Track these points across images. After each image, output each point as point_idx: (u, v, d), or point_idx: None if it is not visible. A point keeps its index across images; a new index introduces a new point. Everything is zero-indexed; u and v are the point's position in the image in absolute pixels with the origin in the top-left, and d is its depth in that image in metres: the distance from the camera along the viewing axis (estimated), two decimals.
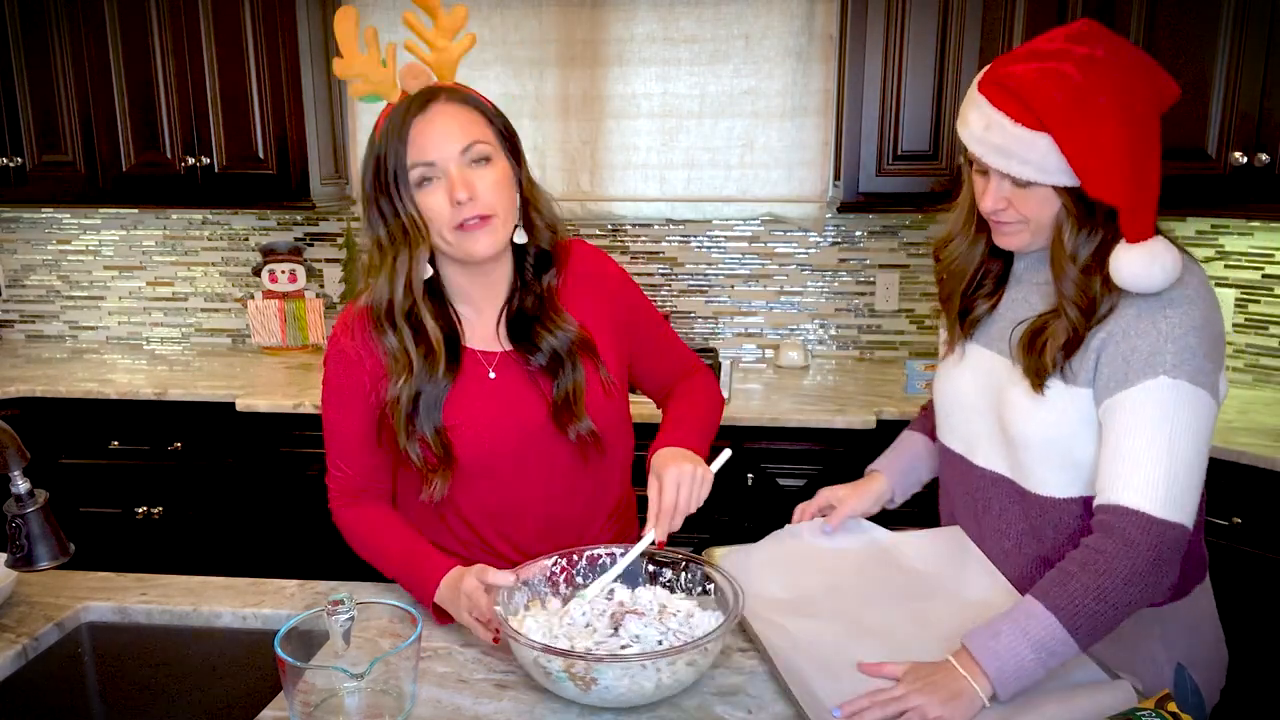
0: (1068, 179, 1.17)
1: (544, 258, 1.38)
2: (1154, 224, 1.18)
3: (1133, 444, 1.16)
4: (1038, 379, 1.24)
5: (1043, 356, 1.24)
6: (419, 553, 1.34)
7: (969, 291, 1.39)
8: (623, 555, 1.29)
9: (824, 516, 1.49)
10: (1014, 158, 1.18)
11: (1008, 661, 1.10)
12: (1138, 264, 1.16)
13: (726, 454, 1.36)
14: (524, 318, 1.37)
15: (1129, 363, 1.17)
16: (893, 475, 1.53)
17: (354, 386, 1.36)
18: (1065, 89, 1.14)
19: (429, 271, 1.32)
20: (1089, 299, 1.21)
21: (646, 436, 1.50)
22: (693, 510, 1.27)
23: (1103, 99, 1.14)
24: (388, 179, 1.25)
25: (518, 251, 1.38)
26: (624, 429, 1.47)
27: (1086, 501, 1.26)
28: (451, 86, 1.29)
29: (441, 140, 1.23)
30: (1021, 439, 1.28)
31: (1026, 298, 1.33)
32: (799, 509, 1.51)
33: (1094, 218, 1.20)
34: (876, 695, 1.11)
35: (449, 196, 1.24)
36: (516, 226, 1.33)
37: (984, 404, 1.35)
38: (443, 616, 1.33)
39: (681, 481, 1.27)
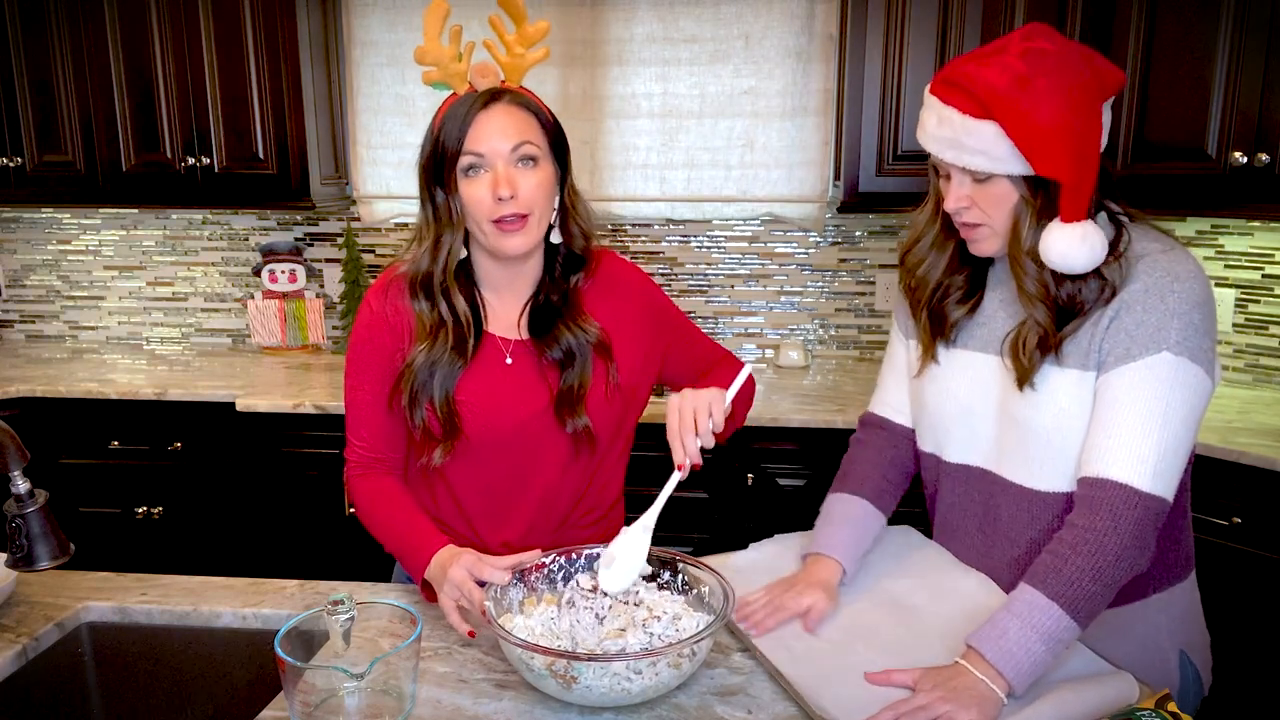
0: (1017, 165, 1.18)
1: (574, 259, 1.44)
2: (1088, 206, 1.20)
3: (1125, 418, 1.17)
4: (1023, 378, 1.25)
5: (1020, 359, 1.25)
6: (417, 528, 1.37)
7: (936, 301, 1.37)
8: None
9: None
10: (965, 149, 1.20)
11: (1021, 659, 1.10)
12: (1067, 242, 1.18)
13: (746, 370, 1.37)
14: (547, 311, 1.42)
15: (1133, 337, 1.18)
16: (848, 557, 1.38)
17: (377, 347, 1.42)
18: (1007, 75, 1.17)
19: (463, 253, 1.38)
20: (1050, 296, 1.22)
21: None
22: (710, 428, 1.28)
23: (1042, 81, 1.16)
24: (441, 162, 1.32)
25: (549, 249, 1.44)
26: (621, 432, 1.51)
27: None
28: (516, 89, 1.36)
29: (495, 135, 1.30)
30: (1035, 431, 1.26)
31: (1015, 297, 1.31)
32: (752, 615, 1.31)
33: (1051, 209, 1.20)
34: (899, 706, 1.09)
35: (491, 190, 1.30)
36: (552, 228, 1.40)
37: (986, 407, 1.33)
38: (431, 594, 1.35)
39: (681, 404, 1.29)
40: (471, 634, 1.25)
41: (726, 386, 1.34)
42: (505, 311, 1.44)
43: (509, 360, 1.42)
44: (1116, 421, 1.17)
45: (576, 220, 1.42)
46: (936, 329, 1.37)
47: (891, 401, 1.50)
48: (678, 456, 1.28)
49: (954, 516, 1.42)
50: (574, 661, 1.10)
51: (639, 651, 1.15)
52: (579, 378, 1.40)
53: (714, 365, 1.56)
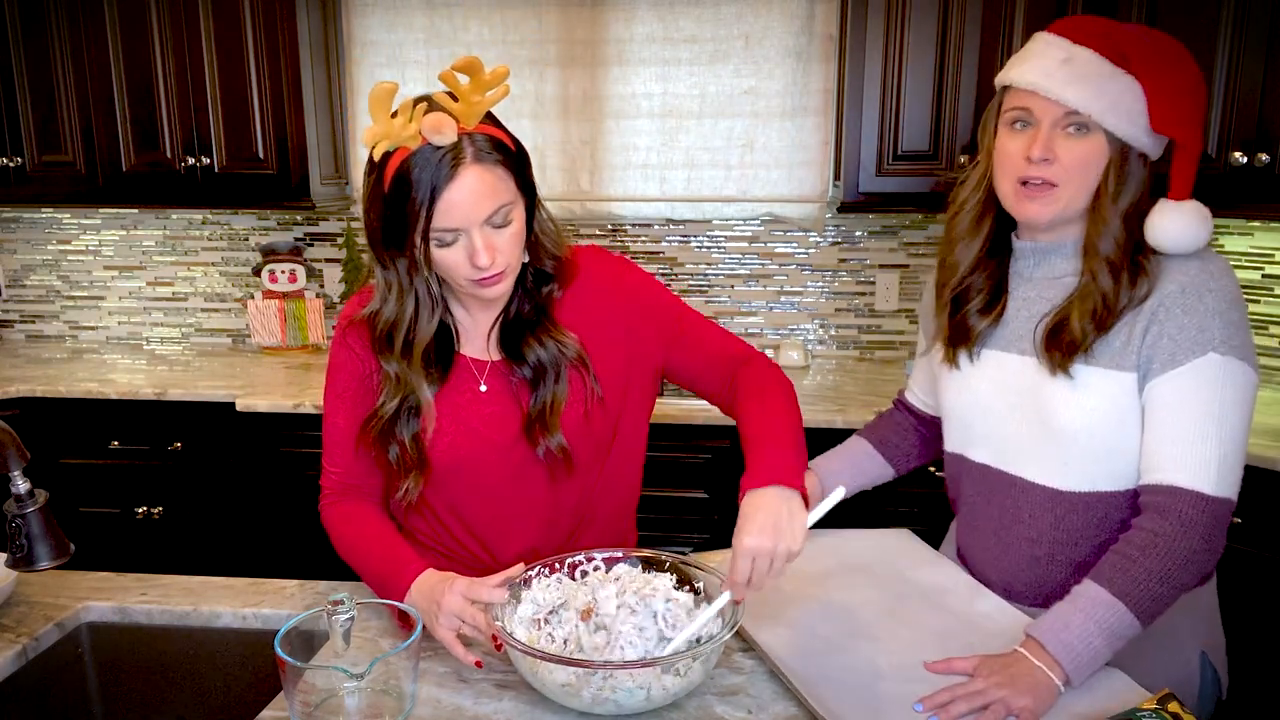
0: (1131, 125, 1.20)
1: (544, 274, 1.36)
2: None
3: (1183, 424, 1.18)
4: (1065, 359, 1.23)
5: (1065, 336, 1.23)
6: (393, 553, 1.31)
7: (959, 307, 1.36)
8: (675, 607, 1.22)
9: None
10: (1091, 86, 1.18)
11: (1081, 652, 1.12)
12: (1186, 221, 1.19)
13: (839, 494, 1.23)
14: (518, 325, 1.34)
15: (1176, 341, 1.18)
16: (828, 474, 1.49)
17: (350, 378, 1.37)
18: (1148, 39, 1.20)
19: (432, 332, 1.31)
20: (1124, 261, 1.22)
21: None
22: (780, 574, 1.16)
23: (1174, 51, 1.21)
24: (408, 235, 1.21)
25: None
26: (613, 453, 1.42)
27: (1125, 494, 1.26)
28: (475, 135, 1.20)
29: (469, 210, 1.19)
30: (1065, 431, 1.25)
31: (1041, 294, 1.31)
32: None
33: (1134, 175, 1.22)
34: (957, 689, 1.11)
35: (469, 258, 1.21)
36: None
37: (1011, 407, 1.32)
38: (405, 622, 1.28)
39: (759, 555, 1.14)
40: (479, 664, 1.20)
41: (781, 441, 1.25)
42: (478, 332, 1.37)
43: (483, 387, 1.35)
44: (1175, 428, 1.18)
45: (544, 243, 1.33)
46: (960, 339, 1.37)
47: (917, 391, 1.58)
48: (737, 593, 1.17)
49: (975, 516, 1.42)
50: (617, 671, 1.08)
51: (684, 653, 1.13)
52: (551, 395, 1.32)
53: (738, 368, 1.40)
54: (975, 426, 1.37)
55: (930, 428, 1.54)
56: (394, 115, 1.17)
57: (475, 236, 1.20)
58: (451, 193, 1.18)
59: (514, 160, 1.24)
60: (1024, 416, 1.30)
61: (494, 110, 1.25)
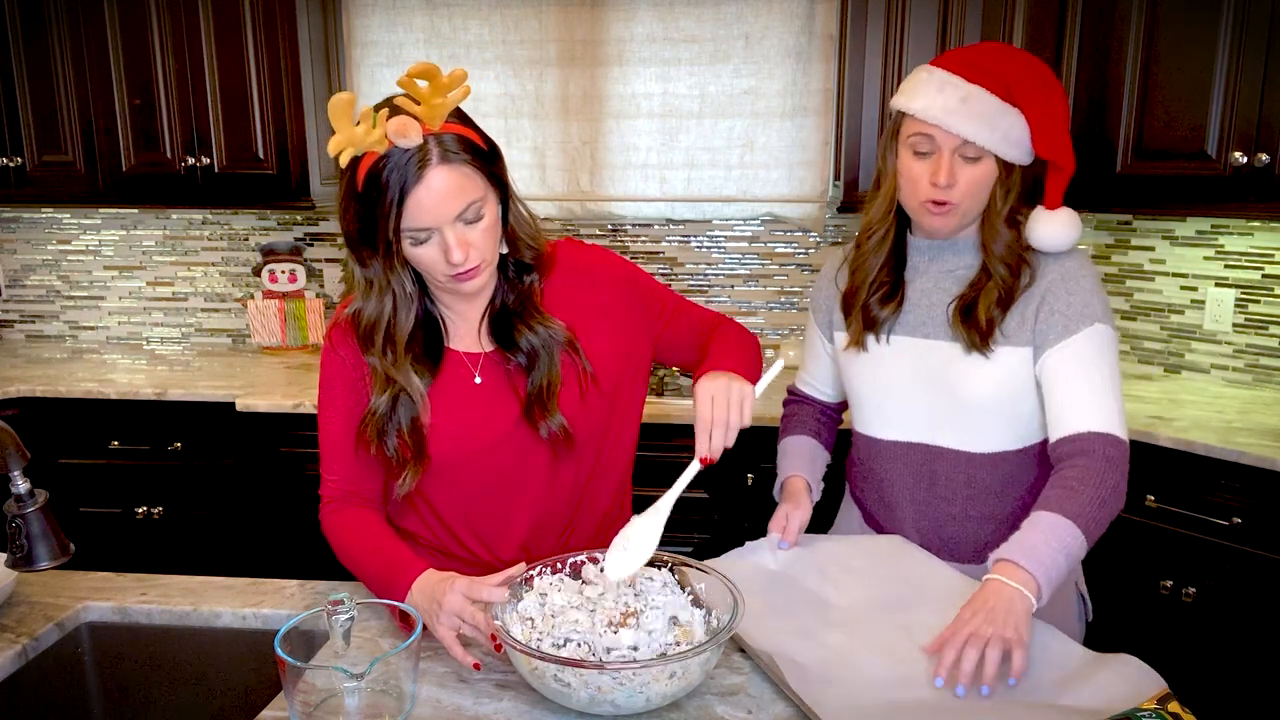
0: (1015, 148, 1.37)
1: (524, 265, 1.38)
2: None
3: (1089, 381, 1.37)
4: (983, 341, 1.40)
5: (978, 320, 1.41)
6: (395, 556, 1.32)
7: (864, 302, 1.51)
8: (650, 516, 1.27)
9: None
10: (985, 123, 1.35)
11: (1050, 567, 1.23)
12: (1061, 225, 1.41)
13: (779, 364, 1.32)
14: (505, 315, 1.37)
15: (1067, 316, 1.39)
16: (811, 476, 1.62)
17: (341, 383, 1.38)
18: (1026, 65, 1.38)
19: (410, 326, 1.33)
20: (1016, 255, 1.42)
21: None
22: (739, 424, 1.26)
23: (1045, 71, 1.39)
24: (380, 238, 1.24)
25: (500, 258, 1.37)
26: (608, 434, 1.44)
27: (1024, 451, 1.46)
28: (442, 135, 1.22)
29: (437, 209, 1.22)
30: (977, 402, 1.43)
31: (938, 285, 1.48)
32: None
33: (1015, 185, 1.41)
34: (953, 641, 1.16)
35: (443, 254, 1.25)
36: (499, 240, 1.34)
37: (923, 385, 1.47)
38: (405, 622, 1.29)
39: (716, 394, 1.26)
40: (476, 666, 1.21)
41: (735, 364, 1.33)
42: (467, 326, 1.39)
43: (478, 379, 1.38)
44: (1082, 385, 1.37)
45: (520, 235, 1.35)
46: (868, 327, 1.52)
47: (812, 381, 1.74)
48: (701, 449, 1.25)
49: (888, 490, 1.55)
50: (621, 670, 1.08)
51: (686, 650, 1.13)
52: (546, 376, 1.35)
53: (712, 331, 1.49)
54: (887, 407, 1.52)
55: (832, 411, 1.75)
56: (358, 123, 1.19)
57: (448, 234, 1.23)
58: (419, 193, 1.21)
59: (483, 157, 1.26)
60: (936, 392, 1.46)
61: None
